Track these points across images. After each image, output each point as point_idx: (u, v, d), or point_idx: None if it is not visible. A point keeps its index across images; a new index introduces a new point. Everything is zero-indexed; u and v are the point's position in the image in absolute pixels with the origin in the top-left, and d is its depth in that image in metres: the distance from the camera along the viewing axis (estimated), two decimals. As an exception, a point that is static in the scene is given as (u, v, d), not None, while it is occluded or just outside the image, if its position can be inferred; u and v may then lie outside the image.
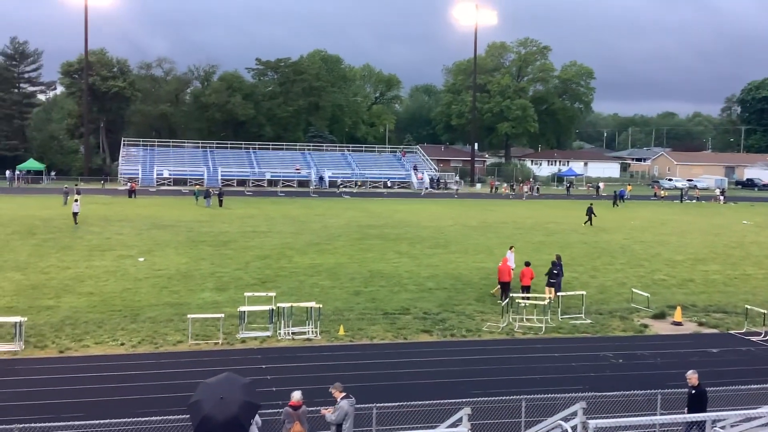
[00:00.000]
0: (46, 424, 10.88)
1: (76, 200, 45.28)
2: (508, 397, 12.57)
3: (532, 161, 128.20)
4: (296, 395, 11.68)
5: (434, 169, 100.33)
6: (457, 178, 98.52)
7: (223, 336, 19.06)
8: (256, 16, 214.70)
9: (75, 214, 43.76)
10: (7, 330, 18.55)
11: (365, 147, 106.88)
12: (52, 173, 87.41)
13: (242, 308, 19.99)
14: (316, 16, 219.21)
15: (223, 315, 19.85)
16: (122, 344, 18.37)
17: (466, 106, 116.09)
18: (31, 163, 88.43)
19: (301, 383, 14.15)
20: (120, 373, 16.23)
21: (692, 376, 12.80)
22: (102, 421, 11.46)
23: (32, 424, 10.95)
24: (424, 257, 33.60)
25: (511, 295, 22.78)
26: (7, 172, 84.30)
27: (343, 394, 12.04)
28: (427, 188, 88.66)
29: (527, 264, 24.87)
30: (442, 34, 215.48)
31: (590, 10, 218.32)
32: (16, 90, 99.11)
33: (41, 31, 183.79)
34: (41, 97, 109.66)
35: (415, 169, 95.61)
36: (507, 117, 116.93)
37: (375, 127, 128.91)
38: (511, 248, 28.22)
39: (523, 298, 22.42)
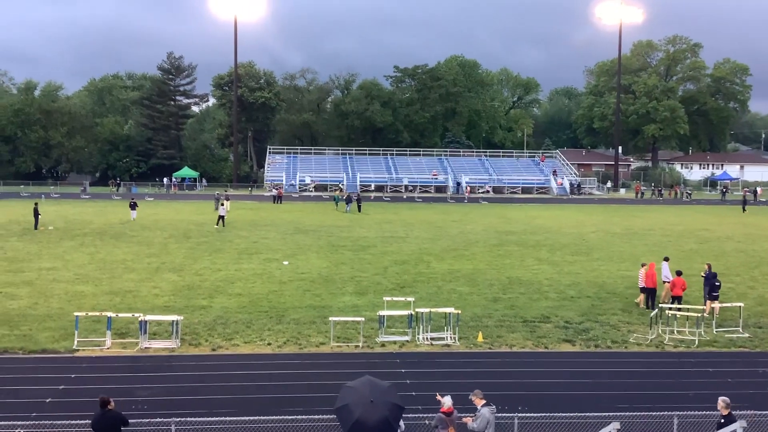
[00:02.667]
0: (201, 418, 11.49)
1: (222, 204, 47.98)
2: (658, 413, 11.93)
3: (681, 165, 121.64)
4: (448, 401, 11.64)
5: (574, 174, 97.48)
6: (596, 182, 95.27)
7: (364, 339, 19.37)
8: (385, 25, 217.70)
9: (221, 218, 46.35)
10: (165, 328, 19.79)
11: (503, 152, 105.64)
12: (204, 181, 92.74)
13: (381, 312, 20.22)
14: (449, 23, 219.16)
15: (363, 318, 20.18)
16: (269, 344, 19.11)
17: (610, 109, 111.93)
18: (186, 171, 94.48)
19: (440, 389, 14.09)
20: (267, 371, 16.88)
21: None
22: (252, 418, 11.92)
23: (188, 419, 11.62)
24: (565, 264, 32.66)
25: (660, 305, 21.61)
26: (165, 180, 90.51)
27: (484, 401, 11.88)
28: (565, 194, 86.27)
29: (678, 273, 23.51)
30: (582, 35, 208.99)
31: (743, 5, 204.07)
32: (172, 102, 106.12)
33: (195, 46, 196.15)
34: (195, 108, 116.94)
35: (555, 174, 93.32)
36: (654, 119, 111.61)
37: (513, 132, 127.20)
38: (666, 259, 26.27)
39: (674, 309, 21.22)
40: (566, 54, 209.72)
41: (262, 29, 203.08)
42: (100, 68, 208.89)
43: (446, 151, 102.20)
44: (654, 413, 11.94)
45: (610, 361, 18.25)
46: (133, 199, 56.19)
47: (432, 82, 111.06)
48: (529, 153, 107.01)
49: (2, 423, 11.79)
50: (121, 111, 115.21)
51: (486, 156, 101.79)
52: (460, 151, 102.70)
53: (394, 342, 19.39)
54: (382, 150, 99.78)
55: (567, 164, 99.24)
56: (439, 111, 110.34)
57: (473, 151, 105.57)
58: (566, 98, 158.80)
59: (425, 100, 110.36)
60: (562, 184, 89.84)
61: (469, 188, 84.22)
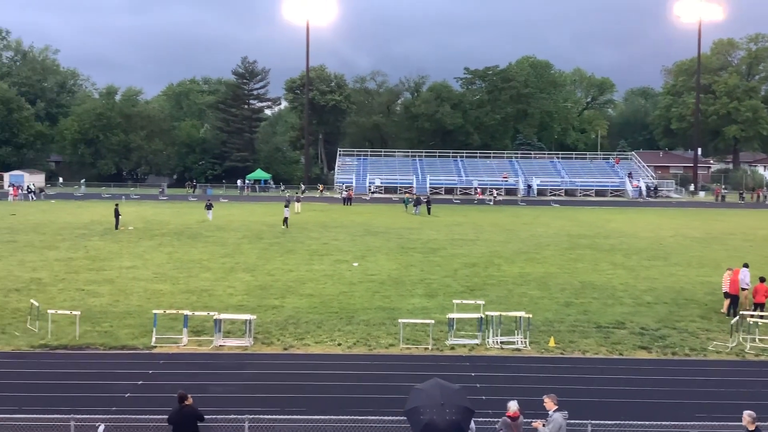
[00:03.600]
0: (273, 416, 11.69)
1: (286, 206, 48.79)
2: (739, 424, 11.46)
3: (764, 167, 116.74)
4: (514, 406, 11.50)
5: (651, 176, 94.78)
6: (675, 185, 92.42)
7: (433, 341, 19.31)
8: (453, 28, 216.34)
9: (286, 219, 47.23)
10: (238, 326, 20.22)
11: (575, 154, 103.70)
12: (281, 185, 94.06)
13: (451, 315, 20.13)
14: (519, 24, 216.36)
15: (432, 321, 20.12)
16: (339, 344, 19.28)
17: (688, 109, 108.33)
18: (259, 173, 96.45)
19: (511, 393, 13.93)
20: (337, 372, 17.02)
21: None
22: (323, 417, 12.04)
23: (261, 416, 11.83)
24: (641, 269, 31.80)
25: (741, 312, 20.80)
26: (239, 182, 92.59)
27: (557, 406, 11.68)
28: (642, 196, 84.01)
29: (762, 280, 22.57)
30: (660, 33, 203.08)
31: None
32: (246, 106, 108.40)
33: (268, 51, 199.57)
34: (267, 112, 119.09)
35: (630, 176, 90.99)
36: (735, 119, 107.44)
37: (586, 134, 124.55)
38: (745, 266, 25.03)
39: (755, 316, 20.38)
40: (642, 53, 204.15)
41: (332, 33, 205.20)
42: (177, 73, 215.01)
43: (517, 153, 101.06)
44: (732, 423, 11.48)
45: (687, 369, 17.66)
46: (209, 200, 57.80)
47: (503, 83, 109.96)
48: (603, 155, 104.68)
49: (84, 416, 12.24)
50: (198, 115, 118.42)
51: (558, 158, 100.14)
52: (531, 153, 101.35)
53: (464, 345, 19.27)
54: (452, 152, 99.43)
55: (643, 166, 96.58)
56: (510, 113, 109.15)
57: (545, 153, 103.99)
58: (642, 98, 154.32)
59: (496, 102, 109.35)
60: (638, 187, 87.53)
61: (480, 190, 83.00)
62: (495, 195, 77.92)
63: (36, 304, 21.06)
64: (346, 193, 73.55)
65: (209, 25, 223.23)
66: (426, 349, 18.97)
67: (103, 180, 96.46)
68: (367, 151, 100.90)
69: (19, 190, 75.80)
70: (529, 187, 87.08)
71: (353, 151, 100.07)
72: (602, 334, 20.54)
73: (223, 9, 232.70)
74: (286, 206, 49.38)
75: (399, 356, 18.43)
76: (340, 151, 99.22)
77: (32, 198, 73.69)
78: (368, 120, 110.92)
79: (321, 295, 25.55)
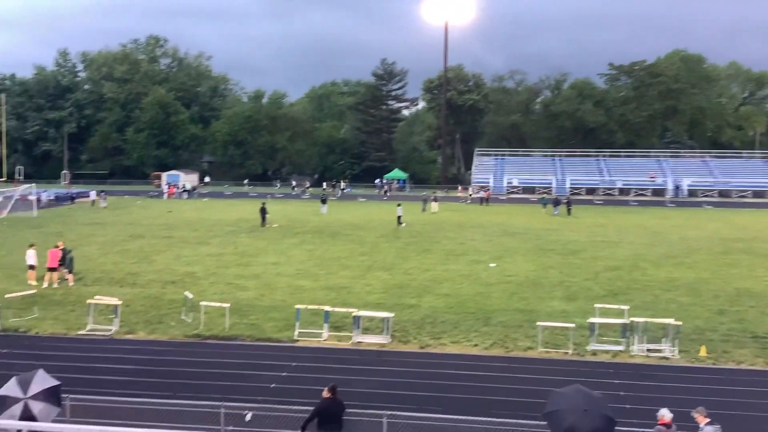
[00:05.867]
0: (411, 413, 11.78)
1: (399, 205, 49.37)
2: None
3: None
4: (667, 414, 10.97)
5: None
6: None
7: (573, 346, 18.76)
8: (591, 23, 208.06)
9: (399, 218, 48.09)
10: (376, 324, 20.56)
11: (731, 153, 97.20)
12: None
13: (592, 319, 19.48)
14: (664, 16, 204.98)
15: (573, 325, 19.53)
16: (476, 345, 19.16)
17: None
18: (396, 173, 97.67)
19: (657, 404, 13.25)
20: (474, 372, 16.92)
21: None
22: (460, 417, 12.00)
23: (399, 413, 11.96)
24: (804, 277, 29.35)
25: None
26: (376, 181, 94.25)
27: (708, 419, 11.02)
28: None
29: None
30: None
31: None
32: (384, 107, 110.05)
33: (406, 52, 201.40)
34: (405, 112, 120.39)
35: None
36: None
37: (743, 131, 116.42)
38: None
39: None
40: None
41: (467, 33, 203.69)
42: (319, 76, 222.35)
43: (665, 152, 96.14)
44: None
45: None
46: (324, 194, 63.46)
47: (650, 78, 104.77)
48: (761, 153, 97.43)
49: (233, 404, 12.89)
50: (338, 116, 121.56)
51: (711, 157, 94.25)
52: (681, 152, 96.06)
53: (606, 351, 18.58)
54: (594, 151, 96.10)
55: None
56: (657, 109, 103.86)
57: (696, 152, 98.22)
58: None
59: (642, 98, 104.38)
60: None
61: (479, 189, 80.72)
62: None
63: (190, 296, 22.42)
64: (483, 193, 72.98)
65: (348, 28, 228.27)
66: (566, 353, 18.46)
67: (250, 179, 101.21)
68: (504, 151, 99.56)
69: (175, 189, 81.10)
70: (677, 187, 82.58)
71: (490, 150, 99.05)
72: (759, 345, 19.16)
73: (362, 13, 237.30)
74: (398, 205, 50.27)
75: (537, 360, 18.05)
76: (477, 150, 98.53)
77: (186, 196, 78.58)
78: (506, 119, 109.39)
79: (457, 295, 25.49)
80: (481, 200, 69.73)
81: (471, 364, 17.53)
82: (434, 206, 60.25)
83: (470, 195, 79.37)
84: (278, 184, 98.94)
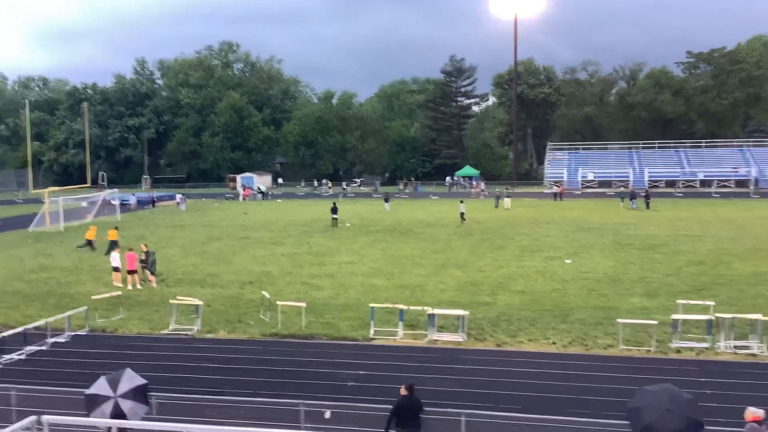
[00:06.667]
0: (489, 412, 11.67)
1: (462, 201, 48.88)
2: None
3: None
4: (759, 411, 10.53)
5: None
6: None
7: (656, 344, 18.21)
8: (665, 10, 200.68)
9: (462, 214, 48.04)
10: (451, 322, 20.44)
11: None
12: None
13: (675, 316, 18.85)
14: (741, 3, 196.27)
15: (655, 322, 18.95)
16: (553, 343, 18.82)
17: None
18: (467, 170, 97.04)
19: (747, 402, 12.71)
20: (552, 371, 16.63)
21: None
22: (539, 416, 11.81)
23: (477, 411, 11.86)
24: None
25: None
26: (447, 178, 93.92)
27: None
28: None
29: None
30: None
31: None
32: (454, 103, 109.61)
33: (475, 47, 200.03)
34: (475, 108, 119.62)
35: None
36: None
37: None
38: None
39: None
40: None
41: (535, 25, 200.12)
42: (388, 75, 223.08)
43: (748, 141, 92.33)
44: None
45: None
46: (387, 193, 66.42)
47: (731, 65, 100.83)
48: None
49: (313, 402, 13.05)
50: (408, 114, 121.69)
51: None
52: (765, 141, 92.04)
53: (691, 348, 17.96)
54: (673, 142, 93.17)
55: None
56: (739, 97, 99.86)
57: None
58: None
59: (723, 87, 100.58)
60: None
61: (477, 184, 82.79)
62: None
63: (267, 296, 22.84)
64: (556, 187, 71.76)
65: (416, 26, 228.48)
66: (648, 351, 17.94)
67: (321, 179, 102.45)
68: (578, 145, 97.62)
69: (250, 191, 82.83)
70: (758, 178, 79.12)
71: (564, 144, 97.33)
72: None
73: (429, 10, 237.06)
74: (461, 201, 50.04)
75: (618, 358, 17.59)
76: (549, 145, 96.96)
77: (260, 198, 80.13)
78: (579, 112, 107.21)
79: (533, 292, 25.12)
80: (555, 195, 68.53)
81: (549, 363, 17.23)
82: (507, 202, 59.58)
83: (482, 190, 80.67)
84: (302, 183, 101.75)
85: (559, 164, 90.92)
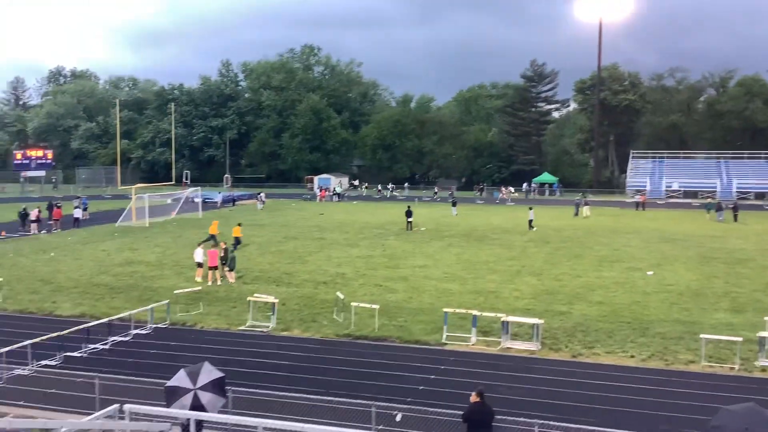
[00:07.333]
0: (564, 424, 11.43)
1: (531, 208, 48.01)
2: None
3: None
4: None
5: None
6: None
7: (740, 361, 17.46)
8: (756, 17, 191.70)
9: (530, 222, 47.33)
10: (525, 330, 20.16)
11: None
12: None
13: (762, 333, 18.04)
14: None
15: (740, 339, 18.17)
16: (632, 356, 18.30)
17: None
18: (546, 176, 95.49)
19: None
20: (629, 385, 16.18)
21: None
22: (614, 431, 11.49)
23: (550, 422, 11.64)
24: None
25: None
26: (524, 185, 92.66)
27: None
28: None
29: None
30: None
31: None
32: (533, 109, 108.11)
33: (556, 52, 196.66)
34: (555, 114, 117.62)
35: None
36: None
37: None
38: None
39: None
40: None
41: (623, 30, 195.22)
42: (466, 80, 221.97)
43: None
44: None
45: None
46: (454, 198, 68.05)
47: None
48: None
49: (383, 403, 13.08)
50: (486, 119, 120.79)
51: None
52: None
53: (779, 368, 17.14)
54: (764, 153, 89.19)
55: None
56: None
57: None
58: None
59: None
60: None
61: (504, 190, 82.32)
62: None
63: (341, 296, 23.07)
64: (638, 197, 69.78)
65: (495, 30, 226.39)
66: (732, 368, 17.23)
67: (397, 183, 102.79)
68: (663, 153, 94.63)
69: (327, 192, 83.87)
70: None
71: (647, 153, 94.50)
72: None
73: (509, 14, 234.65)
74: (530, 209, 49.60)
75: (700, 374, 16.96)
76: (632, 152, 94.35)
77: (336, 199, 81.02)
78: (665, 119, 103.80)
79: (611, 303, 24.50)
80: (637, 205, 66.65)
81: (627, 376, 16.76)
82: (586, 210, 58.31)
83: (510, 194, 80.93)
84: (362, 187, 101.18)
85: (642, 173, 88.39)
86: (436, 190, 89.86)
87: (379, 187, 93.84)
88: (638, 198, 68.99)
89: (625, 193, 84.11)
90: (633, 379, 16.56)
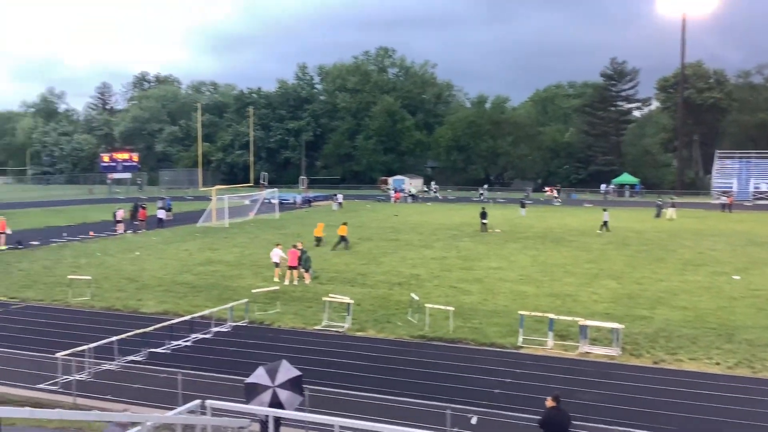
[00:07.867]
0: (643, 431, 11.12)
1: (605, 209, 46.37)
2: None
3: None
4: None
5: None
6: None
7: (836, 372, 16.58)
8: None
9: (605, 223, 46.39)
10: (604, 334, 19.68)
11: None
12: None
13: None
14: None
15: (836, 348, 17.27)
16: (717, 363, 17.63)
17: None
18: (625, 177, 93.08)
19: None
20: (713, 392, 15.59)
21: None
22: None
23: (630, 430, 11.34)
24: None
25: None
26: (602, 186, 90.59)
27: None
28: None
29: None
30: None
31: None
32: (613, 108, 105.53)
33: (637, 50, 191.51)
34: (636, 113, 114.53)
35: None
36: None
37: None
38: None
39: None
40: None
41: (707, 26, 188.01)
42: (543, 79, 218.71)
43: None
44: None
45: None
46: (524, 199, 67.29)
47: None
48: None
49: (458, 406, 13.01)
50: (563, 119, 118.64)
51: None
52: None
53: None
54: None
55: None
56: None
57: None
58: None
59: None
60: None
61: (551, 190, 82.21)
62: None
63: (416, 298, 23.08)
64: (725, 198, 67.19)
65: (572, 28, 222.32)
66: (827, 380, 16.37)
67: (471, 184, 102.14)
68: (751, 153, 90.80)
69: (401, 193, 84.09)
70: None
71: (734, 152, 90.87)
72: None
73: (586, 11, 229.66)
74: (604, 210, 48.40)
75: (790, 384, 16.19)
76: (718, 152, 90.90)
77: (411, 200, 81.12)
78: (753, 118, 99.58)
79: (696, 308, 23.65)
80: (723, 206, 64.19)
81: (711, 384, 16.16)
82: (671, 212, 56.48)
83: (556, 195, 79.41)
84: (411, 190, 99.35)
85: (728, 173, 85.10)
86: (481, 192, 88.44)
87: (425, 187, 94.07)
88: (724, 199, 66.48)
89: (710, 195, 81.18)
90: (718, 387, 15.96)
